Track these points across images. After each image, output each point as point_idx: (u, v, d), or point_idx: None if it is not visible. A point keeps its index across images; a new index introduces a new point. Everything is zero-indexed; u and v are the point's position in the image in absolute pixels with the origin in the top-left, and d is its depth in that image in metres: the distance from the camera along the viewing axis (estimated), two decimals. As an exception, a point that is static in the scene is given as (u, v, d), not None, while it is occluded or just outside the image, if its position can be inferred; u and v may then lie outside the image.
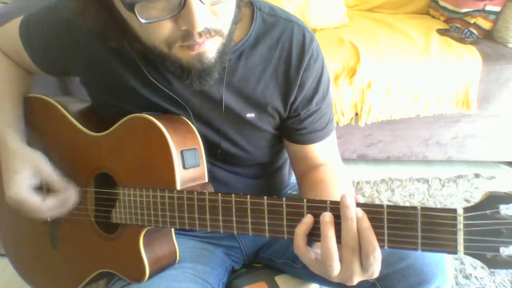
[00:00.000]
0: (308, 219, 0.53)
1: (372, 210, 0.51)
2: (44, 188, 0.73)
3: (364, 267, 0.51)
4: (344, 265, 0.52)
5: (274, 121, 0.76)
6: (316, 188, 0.73)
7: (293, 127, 0.76)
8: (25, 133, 0.78)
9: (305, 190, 0.77)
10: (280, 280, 0.85)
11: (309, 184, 0.76)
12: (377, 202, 1.77)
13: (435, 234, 0.48)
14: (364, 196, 1.81)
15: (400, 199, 1.79)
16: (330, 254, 0.51)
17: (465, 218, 0.47)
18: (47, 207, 0.70)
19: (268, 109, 0.73)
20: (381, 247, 0.51)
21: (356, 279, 0.53)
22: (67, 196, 0.72)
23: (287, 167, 0.93)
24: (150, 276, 0.68)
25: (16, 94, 0.81)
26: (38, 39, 0.75)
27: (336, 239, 0.52)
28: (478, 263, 1.44)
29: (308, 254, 0.54)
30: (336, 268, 0.52)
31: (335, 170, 0.77)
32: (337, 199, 0.52)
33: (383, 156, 1.93)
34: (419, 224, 0.49)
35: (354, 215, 0.50)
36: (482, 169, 1.99)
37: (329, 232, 0.51)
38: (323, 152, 0.78)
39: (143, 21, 0.51)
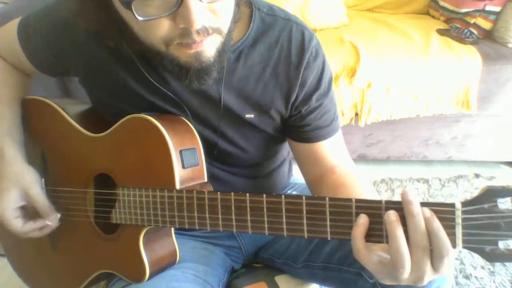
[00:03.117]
0: (363, 220, 0.50)
1: (369, 206, 0.50)
2: (29, 208, 0.74)
3: (435, 267, 0.49)
4: (415, 265, 0.49)
5: (274, 123, 0.76)
6: (337, 192, 0.69)
7: (296, 124, 0.76)
8: (23, 138, 0.78)
9: (324, 195, 0.74)
10: (280, 280, 0.85)
11: (328, 189, 0.72)
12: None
13: (434, 229, 0.48)
14: (364, 196, 1.81)
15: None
16: (401, 255, 0.48)
17: (463, 212, 0.47)
18: (24, 231, 0.73)
19: (270, 112, 0.73)
20: (381, 242, 0.51)
21: (427, 279, 0.50)
22: (47, 224, 0.73)
23: (286, 167, 0.93)
24: (150, 276, 0.67)
25: (14, 98, 0.81)
26: (36, 40, 0.75)
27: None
28: (478, 263, 1.44)
29: (371, 258, 0.51)
30: (407, 270, 0.49)
31: (353, 172, 0.74)
32: None
33: (383, 156, 1.93)
34: None
35: (419, 210, 0.48)
36: (482, 169, 1.99)
37: (398, 231, 0.48)
38: (331, 151, 0.76)
39: (140, 18, 0.51)
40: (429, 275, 0.49)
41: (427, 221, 0.48)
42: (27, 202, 0.73)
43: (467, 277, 1.40)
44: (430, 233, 0.48)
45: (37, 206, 0.73)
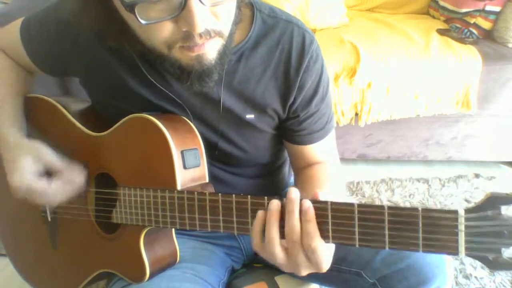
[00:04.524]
0: (259, 214, 0.55)
1: (373, 211, 0.50)
2: (48, 174, 0.72)
3: (308, 256, 0.53)
4: (289, 255, 0.54)
5: (273, 122, 0.76)
6: (305, 183, 0.75)
7: (292, 128, 0.76)
8: (26, 130, 0.78)
9: (298, 185, 0.79)
10: (280, 280, 0.85)
11: (301, 180, 0.78)
12: (377, 202, 1.77)
13: (436, 236, 0.48)
14: (364, 196, 1.81)
15: (400, 199, 1.79)
16: (271, 241, 0.54)
17: (466, 219, 0.46)
18: (53, 189, 0.69)
19: (268, 111, 0.73)
20: (382, 248, 0.51)
21: (304, 270, 0.55)
22: (72, 175, 0.71)
23: (286, 167, 0.93)
24: (151, 276, 0.68)
25: (17, 93, 0.81)
26: (38, 40, 0.75)
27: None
28: (478, 263, 1.44)
29: (265, 249, 0.56)
30: (278, 255, 0.54)
31: (328, 167, 0.78)
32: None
33: (383, 156, 1.93)
34: (420, 225, 0.48)
35: (295, 208, 0.52)
36: (482, 169, 1.99)
37: (272, 219, 0.54)
38: (320, 151, 0.79)
39: (143, 22, 0.51)
40: (304, 266, 0.54)
41: (302, 213, 0.52)
42: (43, 165, 0.71)
43: (467, 277, 1.40)
44: (301, 224, 0.52)
45: (54, 164, 0.70)
